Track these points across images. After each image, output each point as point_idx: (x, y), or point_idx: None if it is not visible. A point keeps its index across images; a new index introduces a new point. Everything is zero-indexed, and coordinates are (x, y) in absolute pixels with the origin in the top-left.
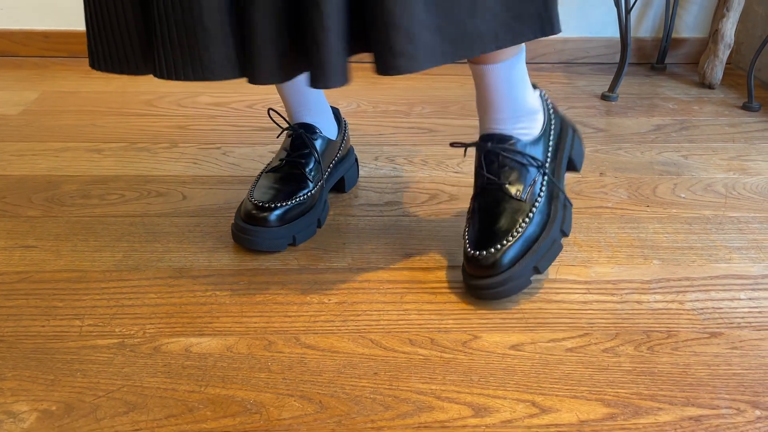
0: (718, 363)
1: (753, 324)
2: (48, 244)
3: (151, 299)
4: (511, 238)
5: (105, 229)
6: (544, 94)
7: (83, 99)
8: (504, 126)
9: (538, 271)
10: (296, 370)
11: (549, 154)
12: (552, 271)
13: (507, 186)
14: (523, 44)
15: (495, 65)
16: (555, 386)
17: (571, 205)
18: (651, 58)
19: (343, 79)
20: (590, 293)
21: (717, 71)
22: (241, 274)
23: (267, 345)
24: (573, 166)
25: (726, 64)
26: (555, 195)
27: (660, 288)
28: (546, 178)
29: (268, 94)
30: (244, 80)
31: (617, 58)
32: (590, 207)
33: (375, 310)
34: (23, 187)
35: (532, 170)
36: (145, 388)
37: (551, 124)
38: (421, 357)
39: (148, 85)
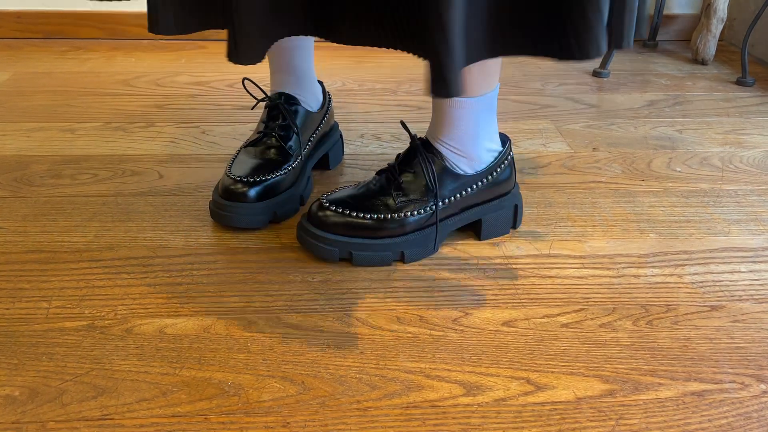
0: (719, 337)
1: (755, 296)
2: (15, 225)
3: (123, 280)
4: (354, 215)
5: (76, 209)
6: (508, 149)
7: (57, 79)
8: (442, 148)
9: (350, 257)
10: (277, 350)
11: (456, 198)
12: (545, 246)
13: (395, 188)
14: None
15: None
16: (550, 363)
17: (435, 250)
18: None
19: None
20: (585, 268)
21: (710, 46)
22: (220, 253)
23: (246, 325)
24: (479, 231)
25: (719, 40)
26: (425, 228)
27: (658, 262)
28: (433, 209)
29: (249, 72)
30: (225, 59)
31: None
32: (584, 182)
33: (361, 288)
34: None
35: (430, 196)
36: (116, 372)
37: (489, 177)
38: (409, 335)
39: (125, 64)
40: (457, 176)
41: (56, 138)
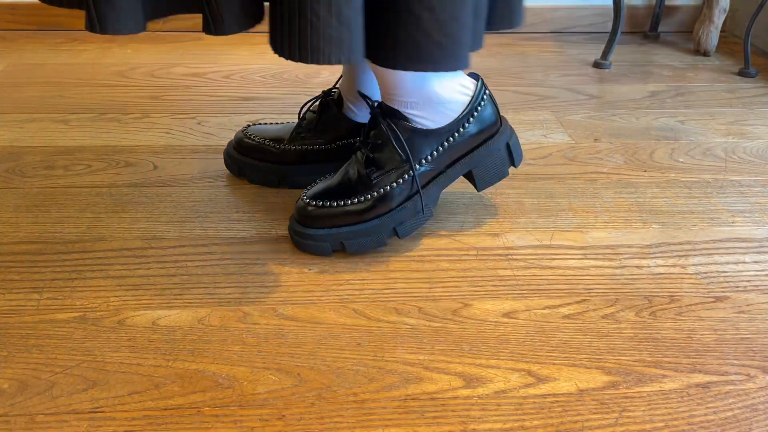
0: (725, 328)
1: (760, 287)
2: (6, 216)
3: (116, 271)
4: (335, 205)
5: (69, 200)
6: (481, 87)
7: (51, 71)
8: (400, 106)
9: (343, 247)
10: (273, 342)
11: (434, 155)
12: (546, 237)
13: (368, 164)
14: None
15: None
16: (552, 354)
17: (423, 214)
18: (643, 26)
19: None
20: (587, 258)
21: (712, 37)
22: (215, 244)
23: (242, 317)
24: (474, 182)
25: (720, 32)
26: (412, 196)
27: (660, 252)
28: (411, 175)
29: (246, 64)
30: (221, 50)
31: (609, 27)
32: (585, 172)
33: (358, 279)
34: None
35: (405, 162)
36: (107, 364)
37: (466, 124)
38: (408, 326)
39: (120, 56)
40: (427, 133)
41: (50, 129)
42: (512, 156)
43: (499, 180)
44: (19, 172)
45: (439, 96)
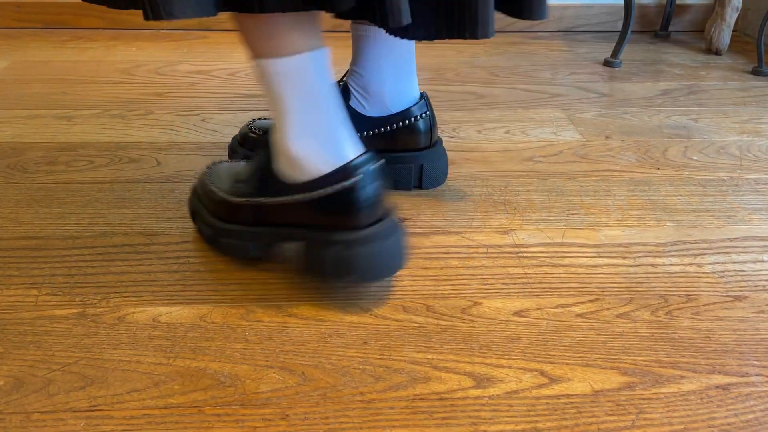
0: (744, 328)
1: None
2: (6, 212)
3: (117, 267)
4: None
5: (70, 196)
6: (425, 105)
7: (55, 68)
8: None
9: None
10: (277, 340)
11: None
12: (558, 235)
13: None
14: None
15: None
16: (565, 354)
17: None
18: (654, 25)
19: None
20: (600, 257)
21: (724, 36)
22: None
23: (244, 314)
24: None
25: (732, 31)
26: None
27: (676, 251)
28: None
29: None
30: (226, 49)
31: (619, 26)
32: (597, 170)
33: None
34: None
35: None
36: (106, 361)
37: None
38: (415, 325)
39: (125, 54)
40: (359, 116)
41: (52, 125)
42: (421, 177)
43: (402, 190)
44: (20, 167)
45: (395, 88)
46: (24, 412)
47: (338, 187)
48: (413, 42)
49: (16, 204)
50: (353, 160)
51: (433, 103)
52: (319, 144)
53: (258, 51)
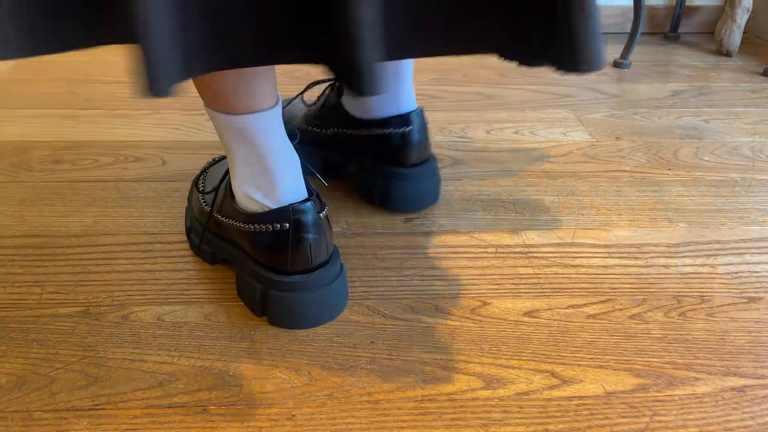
0: (759, 329)
1: None
2: (11, 210)
3: (121, 265)
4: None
5: (75, 194)
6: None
7: (62, 68)
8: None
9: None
10: (283, 339)
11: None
12: (568, 235)
13: None
14: None
15: None
16: (576, 355)
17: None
18: (663, 27)
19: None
20: (611, 257)
21: (735, 37)
22: None
23: (250, 313)
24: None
25: (743, 32)
26: None
27: (689, 252)
28: None
29: None
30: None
31: (628, 27)
32: (607, 170)
33: (372, 276)
34: None
35: None
36: (110, 360)
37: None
38: (424, 325)
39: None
40: (344, 112)
41: (58, 124)
42: (386, 197)
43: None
44: (25, 166)
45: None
46: (26, 410)
47: (269, 227)
48: None
49: (20, 202)
50: (290, 205)
51: (438, 104)
52: (258, 190)
53: (207, 101)
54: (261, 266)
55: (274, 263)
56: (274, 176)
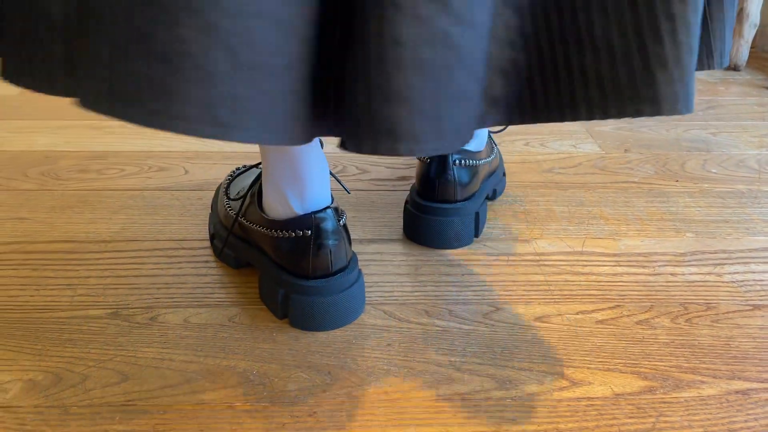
0: (764, 335)
1: None
2: (41, 216)
3: (148, 270)
4: None
5: (102, 202)
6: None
7: None
8: None
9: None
10: (304, 341)
11: None
12: (578, 244)
13: None
14: None
15: None
16: (586, 359)
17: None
18: None
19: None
20: (620, 266)
21: (742, 51)
22: None
23: (272, 315)
24: None
25: (750, 47)
26: None
27: (695, 260)
28: None
29: None
30: None
31: None
32: (616, 181)
33: (388, 282)
34: (19, 163)
35: None
36: (140, 359)
37: None
38: (438, 328)
39: None
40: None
41: (84, 135)
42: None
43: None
44: (54, 175)
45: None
46: (62, 405)
47: (291, 234)
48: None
49: (50, 209)
50: (312, 213)
51: None
52: (288, 195)
53: None
54: (283, 270)
55: (295, 268)
56: (304, 183)
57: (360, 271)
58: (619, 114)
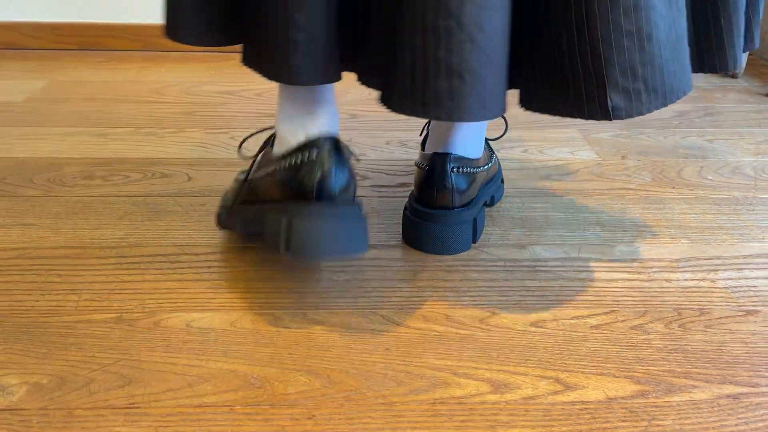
0: (755, 341)
1: None
2: (47, 222)
3: (152, 275)
4: None
5: (107, 208)
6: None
7: (91, 87)
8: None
9: None
10: (303, 345)
11: None
12: (573, 250)
13: None
14: None
15: None
16: (580, 363)
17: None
18: None
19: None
20: (615, 271)
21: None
22: (247, 252)
23: (272, 320)
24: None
25: (749, 54)
26: None
27: (689, 266)
28: None
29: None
30: (254, 71)
31: None
32: (612, 188)
33: (387, 288)
34: (25, 169)
35: None
36: (143, 362)
37: None
38: (435, 333)
39: (157, 75)
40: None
41: (89, 142)
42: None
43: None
44: (59, 181)
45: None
46: (67, 408)
47: (297, 159)
48: None
49: (56, 215)
50: (320, 136)
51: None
52: (299, 125)
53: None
54: (287, 203)
55: (300, 194)
56: (316, 117)
57: (362, 208)
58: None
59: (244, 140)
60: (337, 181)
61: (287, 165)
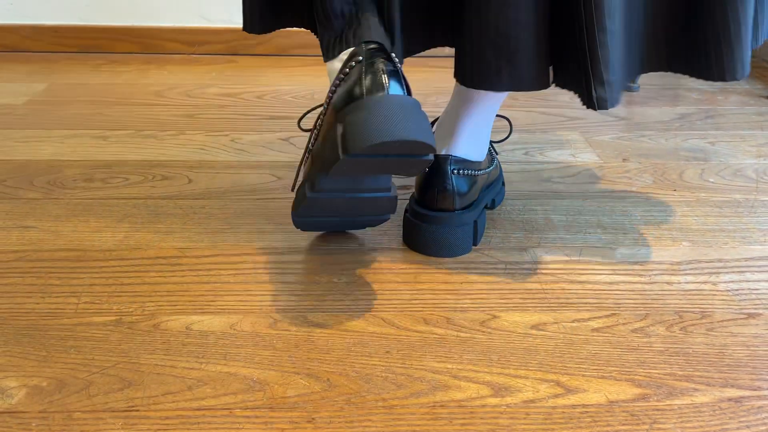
0: (757, 344)
1: None
2: (47, 225)
3: (151, 278)
4: None
5: (107, 211)
6: None
7: (91, 90)
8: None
9: None
10: (303, 348)
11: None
12: (575, 252)
13: None
14: None
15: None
16: (581, 366)
17: None
18: None
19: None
20: (616, 274)
21: None
22: (246, 254)
23: (272, 323)
24: None
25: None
26: None
27: (691, 269)
28: None
29: (278, 85)
30: (254, 73)
31: None
32: (614, 191)
33: (387, 290)
34: (25, 172)
35: None
36: (142, 365)
37: None
38: (436, 336)
39: (157, 77)
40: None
41: (89, 144)
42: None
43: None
44: (59, 184)
45: None
46: (66, 411)
47: (352, 64)
48: None
49: (56, 218)
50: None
51: None
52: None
53: None
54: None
55: (352, 94)
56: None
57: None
58: None
59: (304, 115)
60: (389, 79)
61: (342, 76)
